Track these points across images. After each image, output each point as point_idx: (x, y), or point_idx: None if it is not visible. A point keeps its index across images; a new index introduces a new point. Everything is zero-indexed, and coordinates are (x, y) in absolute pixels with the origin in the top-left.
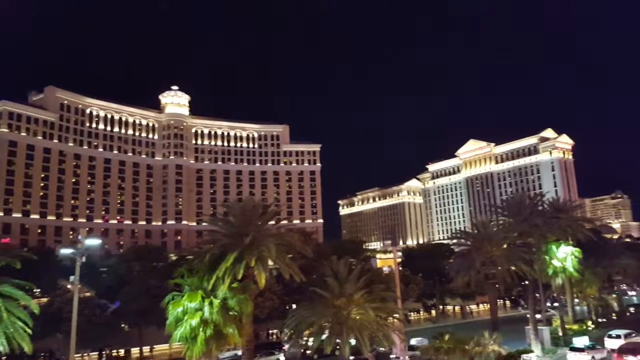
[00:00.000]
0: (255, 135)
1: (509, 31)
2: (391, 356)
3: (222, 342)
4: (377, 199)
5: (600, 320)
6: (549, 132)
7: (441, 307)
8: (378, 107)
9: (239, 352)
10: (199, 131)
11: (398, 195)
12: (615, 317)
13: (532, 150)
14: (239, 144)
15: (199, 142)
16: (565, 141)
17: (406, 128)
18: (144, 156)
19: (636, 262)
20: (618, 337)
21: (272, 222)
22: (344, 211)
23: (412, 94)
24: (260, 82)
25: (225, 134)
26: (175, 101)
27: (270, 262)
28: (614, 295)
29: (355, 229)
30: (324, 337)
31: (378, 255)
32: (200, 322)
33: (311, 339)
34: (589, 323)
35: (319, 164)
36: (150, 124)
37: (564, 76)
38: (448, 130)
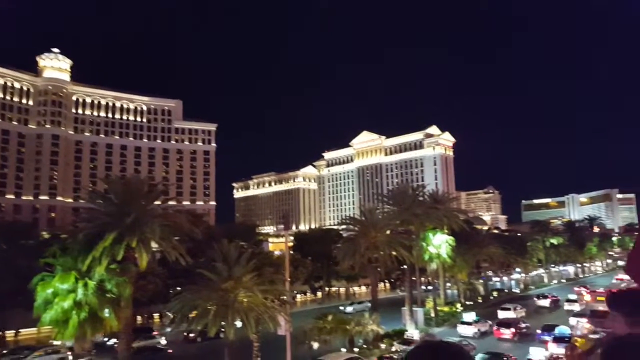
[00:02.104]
0: (144, 108)
1: (413, 32)
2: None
3: (98, 326)
4: (273, 183)
5: (467, 302)
6: (433, 129)
7: (327, 289)
8: (283, 95)
9: None
10: (81, 100)
11: (294, 181)
12: (480, 300)
13: (418, 145)
14: (125, 117)
15: (80, 111)
16: (448, 138)
17: (306, 115)
18: (15, 123)
19: (501, 251)
20: (469, 323)
21: (159, 202)
22: (238, 194)
23: (314, 85)
24: (161, 56)
25: (110, 104)
26: (56, 65)
27: (154, 244)
28: (481, 281)
29: (249, 212)
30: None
31: (271, 239)
32: (74, 304)
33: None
34: (458, 305)
35: (214, 144)
36: (25, 88)
37: (450, 78)
38: (347, 120)
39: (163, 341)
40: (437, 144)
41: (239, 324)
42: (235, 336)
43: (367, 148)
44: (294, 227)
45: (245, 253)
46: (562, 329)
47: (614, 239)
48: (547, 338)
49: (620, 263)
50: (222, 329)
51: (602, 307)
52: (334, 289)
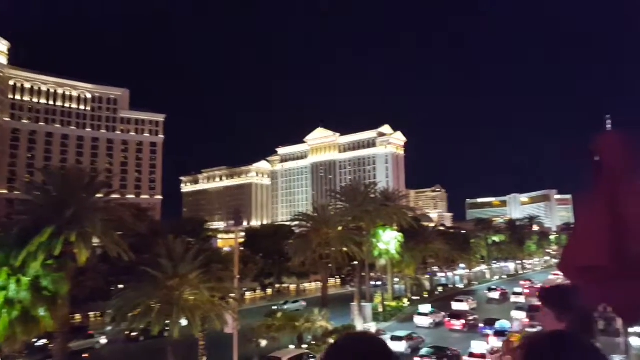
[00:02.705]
0: (89, 96)
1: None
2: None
3: (32, 326)
4: (224, 178)
5: (414, 297)
6: (386, 128)
7: (278, 285)
8: (237, 91)
9: None
10: (19, 85)
11: (246, 176)
12: (426, 295)
13: (371, 143)
14: (67, 105)
15: (18, 97)
16: (399, 138)
17: (261, 110)
18: None
19: (447, 247)
20: (425, 314)
21: (101, 195)
22: (186, 188)
23: (269, 81)
24: (111, 44)
25: (52, 91)
26: None
27: (95, 239)
28: (427, 276)
29: (198, 207)
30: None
31: (220, 236)
32: (4, 302)
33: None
34: (405, 300)
35: (161, 136)
36: None
37: (404, 79)
38: (302, 116)
39: (103, 340)
40: (389, 143)
41: (184, 322)
42: (180, 335)
43: (322, 145)
44: (245, 223)
45: (192, 249)
46: (502, 323)
47: (552, 237)
48: (488, 332)
49: (557, 261)
50: (167, 328)
51: (538, 302)
52: (284, 285)
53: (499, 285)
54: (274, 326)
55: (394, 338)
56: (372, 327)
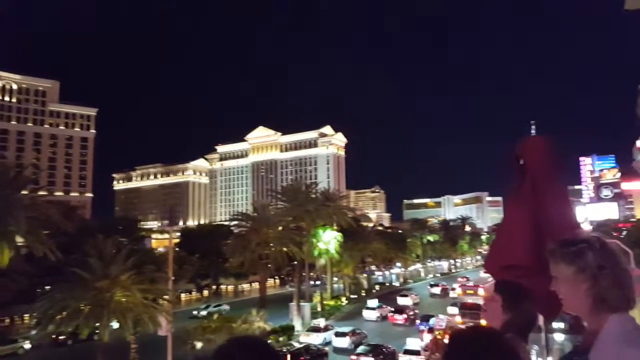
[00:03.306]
0: (14, 87)
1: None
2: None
3: None
4: (159, 175)
5: (352, 296)
6: (327, 129)
7: (214, 286)
8: (174, 87)
9: None
10: None
11: (183, 174)
12: (364, 294)
13: (313, 144)
14: None
15: None
16: (340, 139)
17: (200, 108)
18: None
19: (384, 246)
20: (373, 309)
21: (26, 192)
22: (119, 186)
23: (207, 79)
24: (40, 33)
25: None
26: None
27: (19, 238)
28: (365, 275)
29: (131, 206)
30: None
31: (154, 235)
32: None
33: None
34: (343, 299)
35: (93, 131)
36: None
37: (343, 80)
38: (243, 114)
39: (27, 345)
40: (330, 144)
41: (115, 324)
42: (111, 338)
43: (263, 144)
44: (181, 223)
45: (124, 249)
46: (434, 320)
47: (483, 237)
48: (423, 328)
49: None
50: (97, 331)
51: (470, 300)
52: (222, 287)
53: (440, 282)
54: (209, 328)
55: (338, 334)
56: (322, 322)
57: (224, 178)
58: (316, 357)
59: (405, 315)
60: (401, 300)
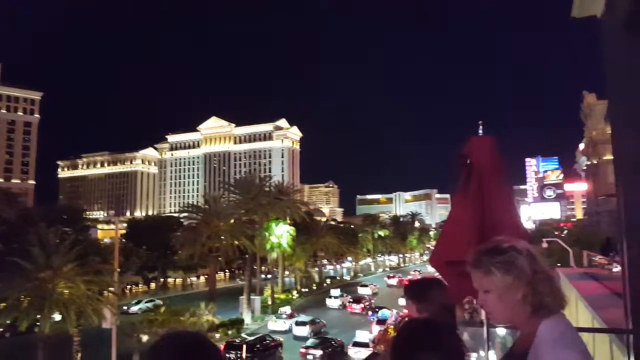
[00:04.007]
0: None
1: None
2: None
3: None
4: (106, 164)
5: (303, 290)
6: (283, 122)
7: (162, 279)
8: (125, 74)
9: None
10: None
11: (131, 163)
12: (315, 287)
13: (267, 136)
14: None
15: None
16: (295, 132)
17: (150, 95)
18: None
19: (336, 241)
20: (336, 297)
21: None
22: (64, 174)
23: (156, 66)
24: None
25: None
26: None
27: None
28: (317, 269)
29: (76, 195)
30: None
31: (100, 226)
32: None
33: None
34: (294, 292)
35: (37, 115)
36: None
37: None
38: (196, 104)
39: None
40: (285, 137)
41: (58, 317)
42: (53, 330)
43: (216, 134)
44: (128, 214)
45: (68, 240)
46: (384, 312)
47: (431, 233)
48: (372, 319)
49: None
50: (38, 323)
51: None
52: (170, 280)
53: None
54: (156, 321)
55: (297, 323)
56: (287, 309)
57: (175, 169)
58: (270, 348)
59: (362, 305)
60: (361, 290)
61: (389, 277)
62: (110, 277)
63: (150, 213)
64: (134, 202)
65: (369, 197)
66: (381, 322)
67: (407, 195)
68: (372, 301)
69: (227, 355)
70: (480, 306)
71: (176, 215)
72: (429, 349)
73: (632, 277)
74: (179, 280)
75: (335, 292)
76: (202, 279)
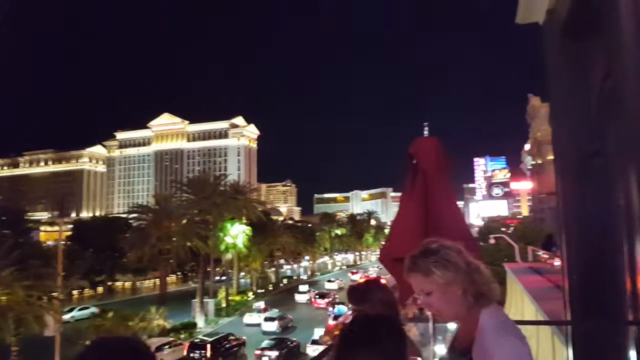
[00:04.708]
0: None
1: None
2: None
3: None
4: (50, 162)
5: (260, 291)
6: (239, 120)
7: (110, 283)
8: (71, 68)
9: None
10: None
11: (77, 161)
12: (271, 288)
13: (223, 134)
14: None
15: None
16: (252, 130)
17: (100, 90)
18: None
19: (294, 240)
20: (304, 292)
21: None
22: (3, 172)
23: (114, 57)
24: None
25: None
26: None
27: None
28: (273, 269)
29: (17, 195)
30: None
31: (43, 227)
32: None
33: None
34: (250, 294)
35: None
36: None
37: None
38: (147, 99)
39: None
40: (241, 135)
41: None
42: None
43: (168, 132)
44: (74, 214)
45: (7, 242)
46: (340, 308)
47: (387, 230)
48: (329, 314)
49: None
50: None
51: None
52: (118, 283)
53: (339, 276)
54: (103, 326)
55: (266, 319)
56: (262, 304)
57: (124, 167)
58: (234, 347)
59: (327, 300)
60: (328, 285)
61: (352, 273)
62: (52, 282)
63: (97, 214)
64: (80, 203)
65: (326, 195)
66: (337, 317)
67: (364, 193)
68: (336, 296)
69: (192, 355)
70: (426, 309)
71: (125, 216)
72: (365, 345)
73: (571, 271)
74: (128, 284)
75: (303, 287)
76: (153, 282)
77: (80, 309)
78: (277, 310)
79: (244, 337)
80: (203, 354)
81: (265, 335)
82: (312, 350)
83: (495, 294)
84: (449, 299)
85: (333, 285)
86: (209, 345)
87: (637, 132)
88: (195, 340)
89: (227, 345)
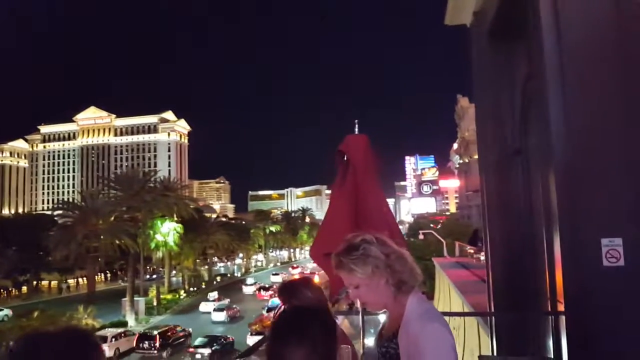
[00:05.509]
0: None
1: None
2: None
3: None
4: None
5: (192, 289)
6: (169, 115)
7: (35, 282)
8: None
9: None
10: None
11: None
12: (204, 286)
13: (152, 129)
14: None
15: None
16: (183, 125)
17: (22, 83)
18: None
19: (227, 237)
20: (251, 285)
21: None
22: None
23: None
24: None
25: None
26: None
27: None
28: (206, 267)
29: None
30: None
31: None
32: None
33: None
34: (182, 292)
35: None
36: None
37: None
38: (72, 92)
39: None
40: (172, 130)
41: None
42: None
43: (94, 126)
44: None
45: None
46: (273, 300)
47: None
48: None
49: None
50: None
51: None
52: (44, 282)
53: (273, 271)
54: (29, 327)
55: (216, 309)
56: (215, 294)
57: (48, 162)
58: (181, 337)
59: (271, 292)
60: (273, 279)
61: (293, 268)
62: None
63: (20, 211)
64: (1, 199)
65: (261, 193)
66: (271, 309)
67: (299, 191)
68: None
69: (141, 345)
70: (356, 300)
71: (50, 213)
72: (294, 334)
73: (494, 265)
74: (54, 283)
75: (250, 280)
76: (81, 280)
77: None
78: (227, 301)
79: (190, 329)
80: (152, 344)
81: (214, 325)
82: (252, 340)
83: (417, 280)
84: (373, 291)
85: (277, 278)
86: (157, 336)
87: (555, 133)
88: (145, 331)
89: (175, 337)
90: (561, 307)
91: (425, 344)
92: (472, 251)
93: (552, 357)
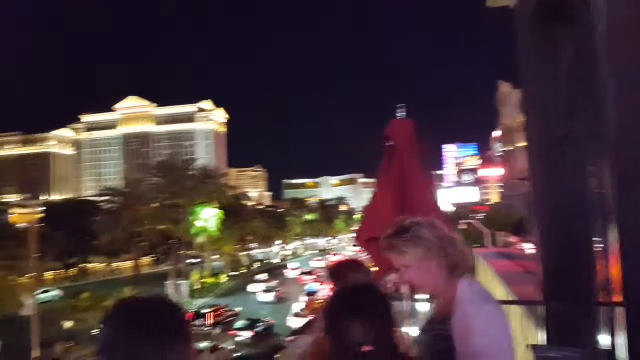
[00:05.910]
0: None
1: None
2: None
3: None
4: (17, 145)
5: (232, 273)
6: (207, 104)
7: (83, 265)
8: (37, 51)
9: None
10: None
11: (44, 144)
12: (244, 271)
13: (190, 118)
14: None
15: None
16: (221, 115)
17: (66, 72)
18: None
19: (265, 225)
20: (296, 268)
21: None
22: None
23: (73, 45)
24: None
25: None
26: None
27: None
28: (245, 253)
29: None
30: None
31: (13, 210)
32: None
33: None
34: (223, 277)
35: None
36: None
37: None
38: (114, 82)
39: None
40: (209, 119)
41: None
42: None
43: (135, 115)
44: (46, 197)
45: None
46: (310, 286)
47: (356, 216)
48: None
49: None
50: None
51: None
52: (91, 265)
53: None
54: (79, 307)
55: (265, 290)
56: (265, 276)
57: (92, 150)
58: (230, 317)
59: (314, 277)
60: (313, 264)
61: (333, 254)
62: (26, 263)
63: (67, 196)
64: (49, 185)
65: (295, 181)
66: (310, 294)
67: (334, 179)
68: (322, 273)
69: (195, 322)
70: (405, 282)
71: (95, 199)
72: (349, 313)
73: (544, 254)
74: (101, 266)
75: (294, 264)
76: (127, 264)
77: (42, 292)
78: (275, 282)
79: (237, 309)
80: (203, 322)
81: (261, 305)
82: (294, 323)
83: (470, 264)
84: (424, 273)
85: (319, 263)
86: (208, 314)
87: (607, 118)
88: (199, 310)
89: (225, 316)
90: (616, 299)
91: (479, 324)
92: (514, 241)
93: (609, 349)
